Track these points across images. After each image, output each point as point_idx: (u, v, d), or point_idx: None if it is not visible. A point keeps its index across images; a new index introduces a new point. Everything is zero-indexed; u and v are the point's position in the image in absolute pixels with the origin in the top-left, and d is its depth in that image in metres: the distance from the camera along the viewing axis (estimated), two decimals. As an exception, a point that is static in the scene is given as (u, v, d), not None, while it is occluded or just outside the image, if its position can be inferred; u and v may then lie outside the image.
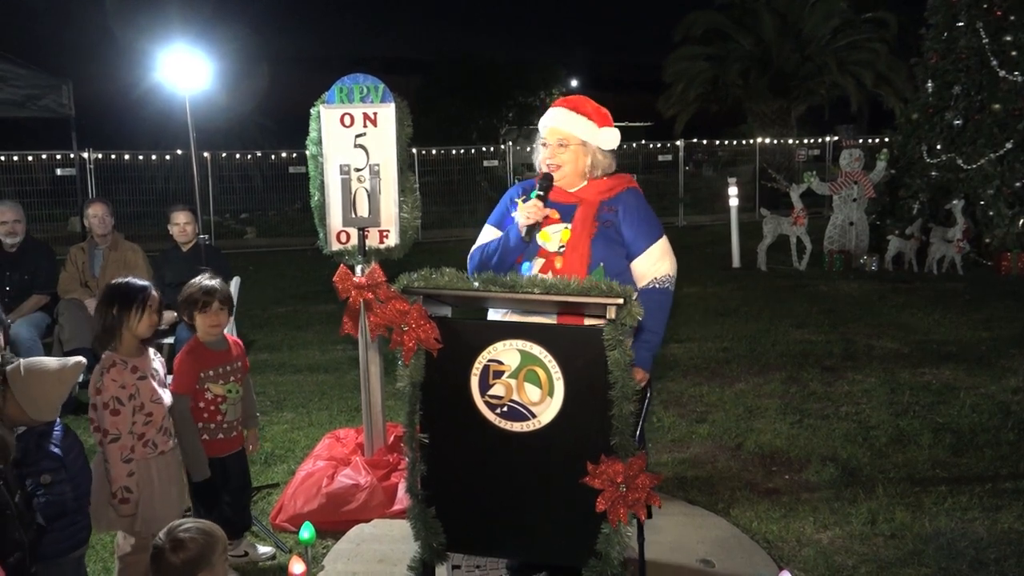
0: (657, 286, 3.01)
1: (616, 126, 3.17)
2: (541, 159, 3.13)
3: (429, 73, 29.56)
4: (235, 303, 4.04)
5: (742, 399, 5.57)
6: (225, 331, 3.53)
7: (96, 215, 5.83)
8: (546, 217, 3.04)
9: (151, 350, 3.21)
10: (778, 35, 19.79)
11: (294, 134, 7.17)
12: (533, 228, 2.98)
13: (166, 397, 3.13)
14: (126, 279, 3.11)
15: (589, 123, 3.09)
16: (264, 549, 3.57)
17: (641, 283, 3.02)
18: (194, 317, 3.41)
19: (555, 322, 2.83)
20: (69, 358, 2.80)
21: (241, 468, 3.54)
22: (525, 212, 2.96)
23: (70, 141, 8.17)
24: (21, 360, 2.68)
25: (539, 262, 2.99)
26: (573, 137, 3.08)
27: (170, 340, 5.42)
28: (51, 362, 2.72)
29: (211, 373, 3.35)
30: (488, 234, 3.18)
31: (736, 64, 20.08)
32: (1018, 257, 9.97)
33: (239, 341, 3.61)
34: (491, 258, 3.05)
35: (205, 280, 3.45)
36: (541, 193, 3.00)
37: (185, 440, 3.28)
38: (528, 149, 3.32)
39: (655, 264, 3.03)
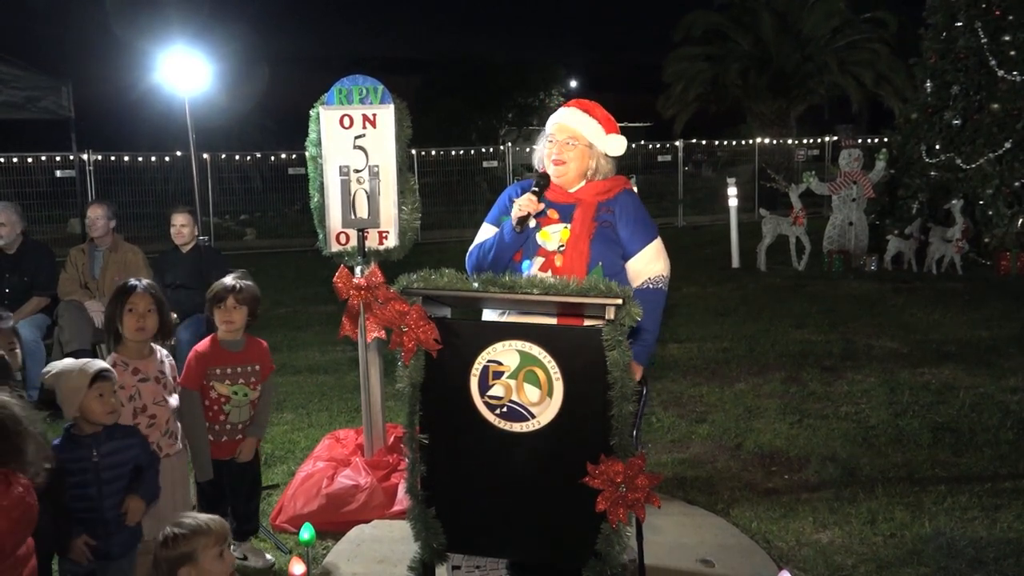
0: (651, 286, 3.06)
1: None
2: (546, 154, 3.14)
3: (428, 74, 29.58)
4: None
5: (742, 399, 5.58)
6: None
7: (92, 217, 5.84)
8: (544, 216, 3.06)
9: (162, 353, 3.22)
10: (777, 35, 19.79)
11: (293, 135, 7.18)
12: (524, 220, 3.02)
13: (172, 400, 3.14)
14: (127, 278, 3.14)
15: (598, 127, 3.13)
16: (268, 557, 3.54)
17: (636, 282, 3.06)
18: (214, 312, 3.42)
19: (555, 323, 2.84)
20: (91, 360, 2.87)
21: (247, 472, 3.53)
22: (518, 204, 3.01)
23: (70, 143, 8.17)
24: (65, 367, 2.73)
25: (539, 260, 3.02)
26: (581, 137, 3.11)
27: (170, 341, 5.42)
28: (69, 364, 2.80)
29: (218, 372, 3.35)
30: (486, 233, 3.21)
31: (735, 64, 20.08)
32: (1017, 257, 9.98)
33: (264, 344, 3.58)
34: (487, 255, 3.09)
35: (230, 279, 3.46)
36: (536, 188, 3.04)
37: (192, 437, 3.28)
38: (528, 150, 3.35)
39: (650, 264, 3.08)
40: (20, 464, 2.15)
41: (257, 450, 3.56)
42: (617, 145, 3.14)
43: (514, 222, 3.02)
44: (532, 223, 3.06)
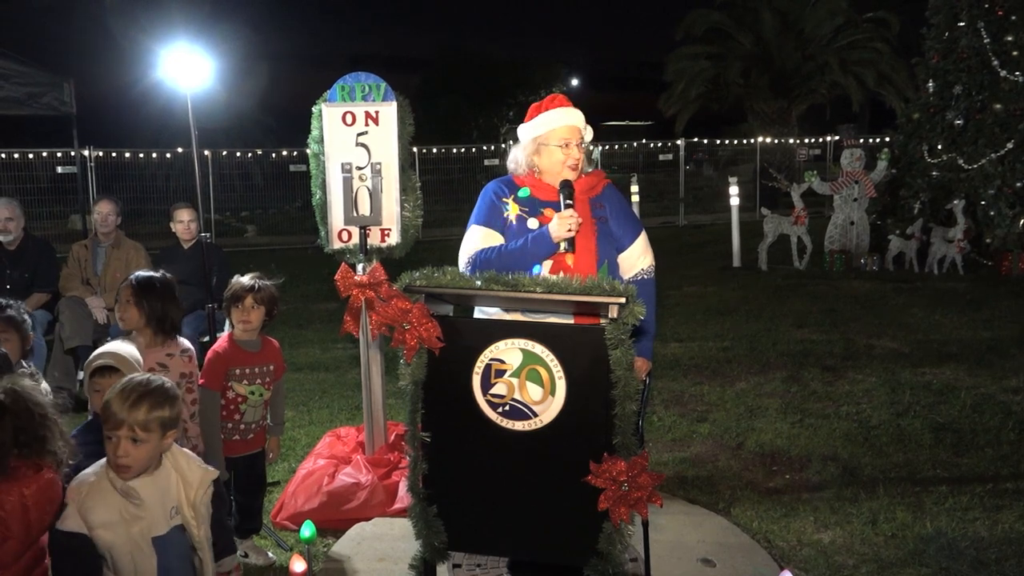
0: (645, 277, 3.15)
1: (617, 125, 3.22)
2: (560, 160, 3.08)
3: (429, 72, 29.58)
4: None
5: (743, 398, 5.57)
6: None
7: (99, 212, 5.84)
8: (541, 215, 3.06)
9: (179, 349, 3.22)
10: (779, 34, 19.79)
11: (295, 132, 7.17)
12: (572, 239, 2.97)
13: None
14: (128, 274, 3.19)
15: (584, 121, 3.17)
16: (269, 555, 3.54)
17: (628, 275, 3.13)
18: (231, 312, 3.43)
19: (571, 322, 2.82)
20: (127, 339, 2.92)
21: (253, 471, 3.53)
22: (566, 225, 2.93)
23: (71, 139, 8.16)
24: (118, 351, 2.73)
25: (548, 263, 3.00)
26: (582, 136, 3.13)
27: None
28: (132, 348, 2.80)
29: (237, 372, 3.35)
30: (481, 235, 3.11)
31: (737, 63, 20.08)
32: (1019, 257, 9.97)
33: (276, 344, 3.59)
34: (513, 258, 2.98)
35: (248, 278, 3.45)
36: (570, 202, 2.99)
37: (208, 436, 3.28)
38: (504, 146, 3.33)
39: (641, 257, 3.16)
40: (42, 452, 2.16)
41: (263, 449, 3.57)
42: (590, 134, 3.19)
43: (562, 244, 2.95)
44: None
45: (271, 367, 3.47)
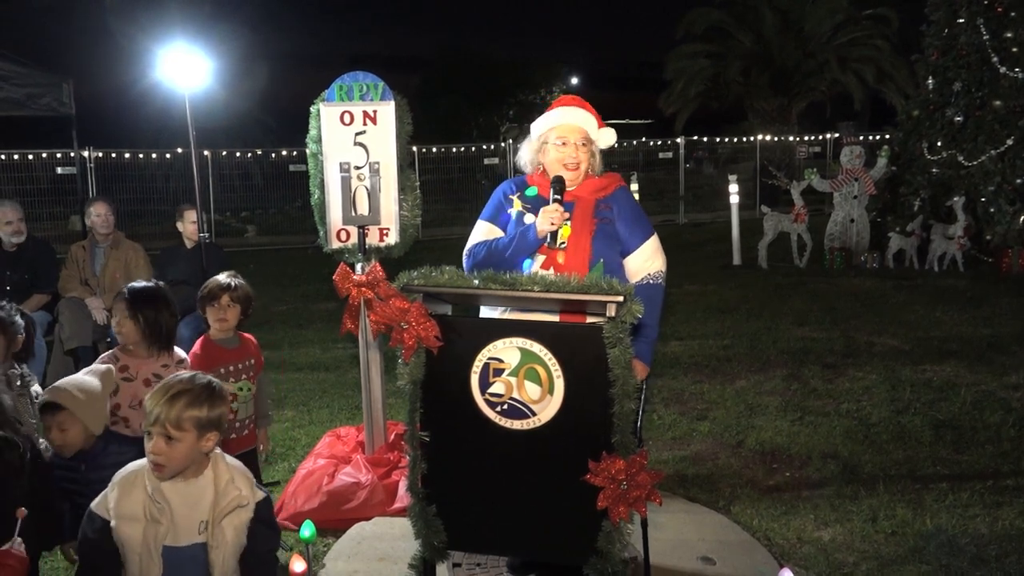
0: (651, 281, 3.11)
1: (617, 123, 3.19)
2: (558, 158, 3.11)
3: (429, 71, 29.62)
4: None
5: (743, 396, 5.57)
6: None
7: (99, 214, 5.83)
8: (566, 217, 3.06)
9: (175, 359, 3.21)
10: (779, 32, 19.81)
11: (295, 132, 7.19)
12: (555, 233, 2.99)
13: None
14: (127, 276, 3.19)
15: (595, 122, 3.16)
16: None
17: (635, 278, 3.10)
18: (205, 311, 3.44)
19: (557, 320, 2.83)
20: (98, 366, 2.88)
21: (248, 468, 3.53)
22: (548, 218, 2.96)
23: (70, 140, 8.17)
24: (64, 385, 2.67)
25: (540, 258, 3.02)
26: (590, 137, 3.13)
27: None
28: (88, 379, 2.75)
29: (222, 371, 3.36)
30: (483, 230, 3.17)
31: (737, 61, 20.09)
32: (1019, 254, 9.96)
33: (253, 339, 3.62)
34: (502, 254, 3.03)
35: (223, 276, 3.47)
36: (559, 197, 3.01)
37: None
38: (511, 145, 3.34)
39: (649, 260, 3.12)
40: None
41: (255, 448, 3.57)
42: (609, 138, 3.18)
43: (545, 236, 2.97)
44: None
45: (252, 361, 3.51)
